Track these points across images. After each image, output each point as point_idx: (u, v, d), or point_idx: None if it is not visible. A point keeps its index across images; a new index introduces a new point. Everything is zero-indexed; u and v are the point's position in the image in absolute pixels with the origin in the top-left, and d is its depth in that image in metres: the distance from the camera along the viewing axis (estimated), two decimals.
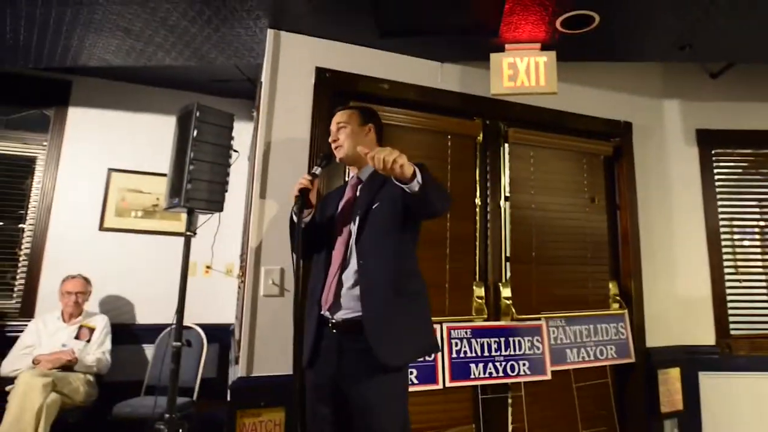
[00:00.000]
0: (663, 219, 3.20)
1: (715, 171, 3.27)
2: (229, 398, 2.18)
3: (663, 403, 2.96)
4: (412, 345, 1.67)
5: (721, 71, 3.28)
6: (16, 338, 2.98)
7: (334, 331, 1.68)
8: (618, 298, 3.06)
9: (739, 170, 3.32)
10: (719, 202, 3.24)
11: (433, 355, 2.51)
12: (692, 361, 3.06)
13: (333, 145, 1.90)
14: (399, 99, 2.67)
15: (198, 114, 2.30)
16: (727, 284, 3.16)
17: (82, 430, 2.80)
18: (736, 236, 3.24)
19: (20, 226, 3.35)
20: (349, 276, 1.70)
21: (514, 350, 2.70)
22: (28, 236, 3.30)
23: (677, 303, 3.14)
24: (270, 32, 2.47)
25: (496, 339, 2.68)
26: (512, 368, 2.67)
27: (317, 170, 1.80)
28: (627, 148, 3.15)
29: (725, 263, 3.18)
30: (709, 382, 3.04)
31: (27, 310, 3.18)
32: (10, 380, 2.69)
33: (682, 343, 3.09)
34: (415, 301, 1.72)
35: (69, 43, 2.57)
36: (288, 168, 2.40)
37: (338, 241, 1.77)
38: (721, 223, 3.22)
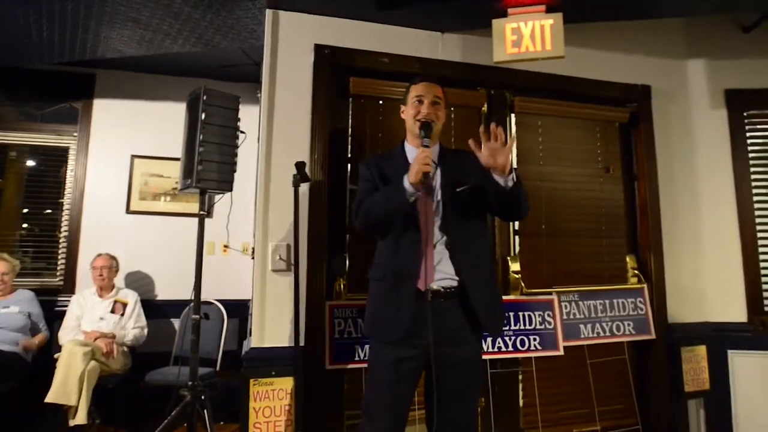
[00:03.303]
0: (687, 189, 2.84)
1: (748, 135, 2.85)
2: (243, 368, 2.18)
3: (687, 382, 2.66)
4: (502, 315, 1.84)
5: (754, 24, 2.81)
6: (62, 312, 3.15)
7: (431, 299, 1.64)
8: (636, 272, 2.76)
9: None
10: (752, 169, 2.82)
11: None
12: (721, 338, 2.72)
13: (423, 117, 1.72)
14: (400, 72, 2.49)
15: (205, 97, 2.29)
16: (762, 258, 2.77)
17: (119, 394, 2.93)
18: None
19: (61, 211, 3.50)
20: (442, 249, 1.69)
21: (524, 325, 2.51)
22: (65, 220, 3.44)
23: (704, 278, 2.79)
24: (268, 12, 2.37)
25: (506, 313, 2.52)
26: (522, 343, 2.49)
27: (428, 141, 1.66)
28: (645, 113, 2.80)
29: (759, 235, 2.79)
30: (739, 360, 2.70)
31: (69, 287, 3.33)
32: (59, 348, 2.85)
33: (710, 319, 2.76)
34: (495, 275, 1.85)
35: (86, 36, 2.60)
36: (291, 145, 2.33)
37: (423, 217, 1.69)
38: (755, 191, 2.81)
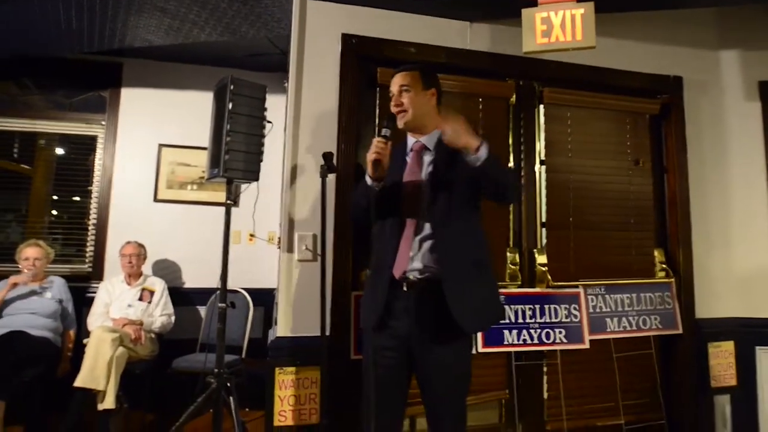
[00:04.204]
0: (718, 182, 2.76)
1: None
2: (268, 357, 2.17)
3: (714, 377, 2.61)
4: (487, 314, 1.68)
5: None
6: (91, 298, 3.15)
7: (408, 290, 1.61)
8: (664, 266, 2.69)
9: None
10: None
11: None
12: (749, 334, 2.65)
13: (396, 110, 1.70)
14: (427, 62, 2.44)
15: (232, 87, 2.26)
16: None
17: (146, 380, 2.94)
18: None
19: (87, 199, 3.50)
20: (424, 241, 1.63)
21: (550, 317, 2.47)
22: (94, 208, 3.44)
23: (733, 272, 2.72)
24: (296, 1, 2.32)
25: (531, 306, 2.45)
26: (548, 336, 2.45)
27: (387, 132, 1.63)
28: (676, 105, 2.72)
29: None
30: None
31: (97, 273, 3.34)
32: (88, 334, 2.86)
33: (738, 315, 2.69)
34: (487, 271, 1.69)
35: (114, 25, 2.58)
36: (318, 135, 2.30)
37: (408, 206, 1.66)
38: None
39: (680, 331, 2.61)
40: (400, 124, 1.71)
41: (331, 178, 2.21)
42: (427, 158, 1.71)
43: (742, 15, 2.80)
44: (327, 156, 2.11)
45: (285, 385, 2.16)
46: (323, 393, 2.09)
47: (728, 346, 2.65)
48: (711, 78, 2.83)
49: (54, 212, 3.57)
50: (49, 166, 3.55)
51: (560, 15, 2.28)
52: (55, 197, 3.56)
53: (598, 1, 2.21)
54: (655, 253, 2.73)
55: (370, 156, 1.58)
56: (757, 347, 2.65)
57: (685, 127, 2.73)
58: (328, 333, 2.11)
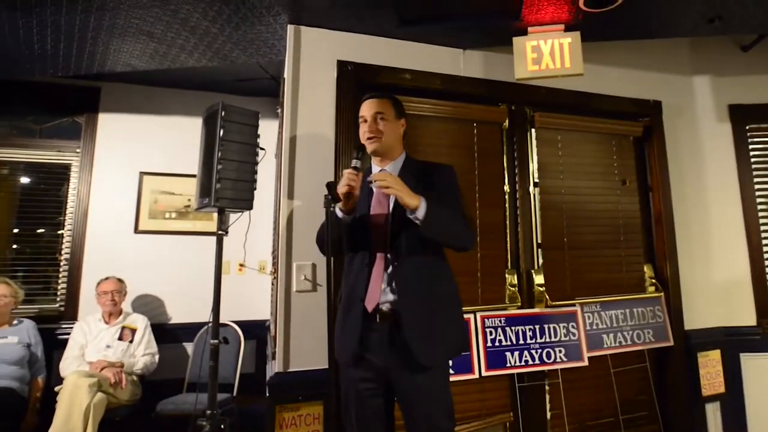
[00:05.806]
0: (697, 198, 2.93)
1: (750, 147, 2.98)
2: (267, 394, 2.08)
3: (704, 386, 2.73)
4: (445, 346, 1.63)
5: (752, 44, 2.97)
6: (62, 341, 2.92)
7: (382, 322, 1.59)
8: (653, 281, 2.82)
9: None
10: (755, 179, 2.95)
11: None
12: (733, 342, 2.81)
13: (369, 135, 1.67)
14: (422, 88, 2.49)
15: (223, 113, 2.20)
16: None
17: (128, 427, 2.72)
18: None
19: (59, 232, 3.25)
20: (393, 270, 1.62)
21: (550, 337, 2.52)
22: (67, 242, 3.20)
23: (715, 284, 2.88)
24: (290, 28, 2.32)
25: (531, 326, 2.50)
26: (548, 355, 2.49)
27: (358, 163, 1.61)
28: (657, 127, 2.89)
29: (764, 241, 2.90)
30: (751, 363, 2.79)
31: (71, 313, 3.09)
32: (59, 380, 2.64)
33: (722, 324, 2.84)
34: (449, 304, 1.67)
35: (94, 49, 2.45)
36: (314, 163, 2.27)
37: (376, 238, 1.64)
38: (759, 200, 2.93)
39: (671, 343, 2.72)
40: (370, 149, 1.70)
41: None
42: None
43: (712, 44, 3.04)
44: (330, 186, 2.07)
45: (286, 424, 2.07)
46: (327, 428, 2.01)
47: (715, 354, 2.79)
48: (686, 102, 3.02)
49: (15, 246, 3.27)
50: (14, 197, 3.27)
51: (549, 44, 2.39)
52: (16, 230, 3.27)
53: (583, 31, 2.34)
54: (645, 268, 2.86)
55: (342, 188, 1.58)
56: (741, 354, 2.81)
57: (666, 147, 2.90)
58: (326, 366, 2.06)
